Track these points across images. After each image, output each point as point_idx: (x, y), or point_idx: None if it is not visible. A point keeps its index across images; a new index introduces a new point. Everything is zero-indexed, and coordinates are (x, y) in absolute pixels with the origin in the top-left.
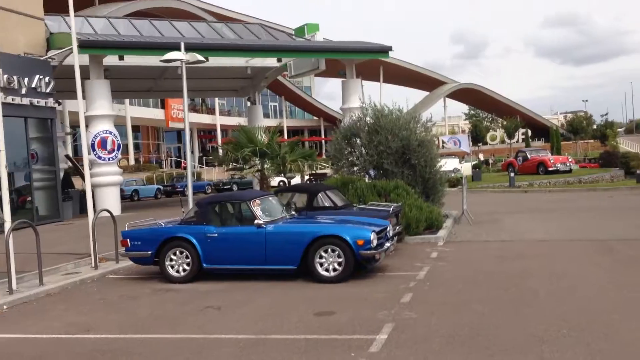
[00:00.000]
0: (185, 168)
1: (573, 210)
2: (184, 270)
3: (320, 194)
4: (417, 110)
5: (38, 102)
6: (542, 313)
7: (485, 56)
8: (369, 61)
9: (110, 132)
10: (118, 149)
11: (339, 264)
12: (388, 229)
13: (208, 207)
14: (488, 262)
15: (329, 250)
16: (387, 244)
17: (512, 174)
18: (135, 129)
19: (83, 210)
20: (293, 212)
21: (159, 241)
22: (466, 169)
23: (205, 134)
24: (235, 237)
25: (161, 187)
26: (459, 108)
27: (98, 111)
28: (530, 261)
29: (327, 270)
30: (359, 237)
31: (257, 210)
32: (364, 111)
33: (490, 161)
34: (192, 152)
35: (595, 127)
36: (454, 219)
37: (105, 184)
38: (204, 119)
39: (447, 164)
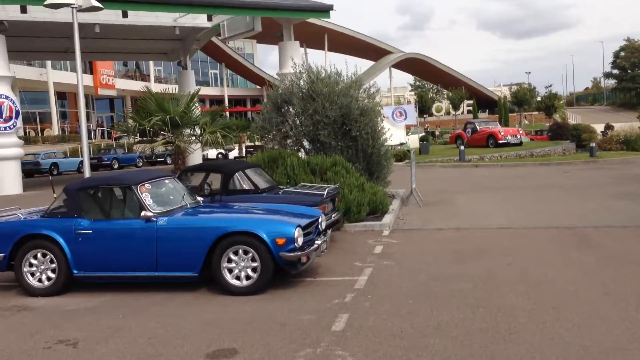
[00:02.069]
0: (116, 139)
1: (530, 187)
2: (49, 278)
3: (237, 175)
4: (362, 80)
5: None
6: (530, 355)
7: (430, 28)
8: (313, 28)
9: (7, 97)
10: (16, 117)
11: (254, 269)
12: (320, 220)
13: (79, 194)
14: (444, 261)
15: (240, 251)
16: (319, 241)
17: (461, 147)
18: (61, 96)
19: None
20: (198, 199)
21: (14, 240)
22: (413, 141)
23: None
24: (115, 235)
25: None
26: (405, 79)
27: None
28: (495, 260)
29: (238, 278)
30: (279, 235)
31: (146, 198)
32: (297, 75)
33: (437, 133)
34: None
35: (539, 99)
36: (401, 199)
37: (2, 158)
38: (137, 85)
39: (393, 137)
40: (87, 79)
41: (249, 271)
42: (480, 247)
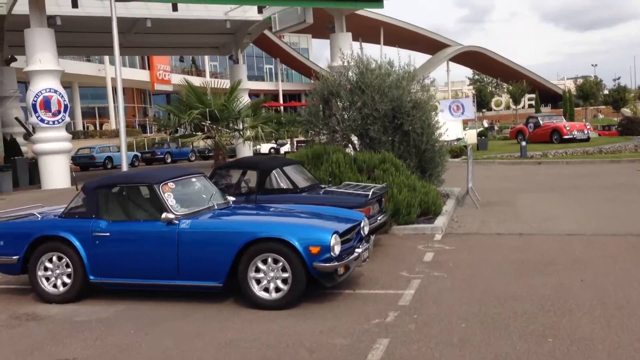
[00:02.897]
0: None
1: (601, 187)
2: (64, 284)
3: (274, 172)
4: (416, 72)
5: None
6: None
7: (490, 20)
8: (368, 22)
9: (55, 91)
10: (65, 111)
11: (284, 280)
12: (362, 224)
13: (98, 193)
14: (504, 274)
15: (270, 260)
16: (359, 249)
17: (523, 143)
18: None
19: (34, 182)
20: (229, 200)
21: (28, 242)
22: (471, 136)
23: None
24: (134, 238)
25: (139, 154)
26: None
27: (38, 65)
28: (565, 274)
29: (266, 289)
30: (313, 242)
31: (169, 199)
32: (345, 65)
33: (496, 128)
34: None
35: (606, 92)
36: (456, 199)
37: (50, 152)
38: (192, 81)
39: (449, 132)
40: (144, 75)
41: (279, 282)
42: (546, 257)
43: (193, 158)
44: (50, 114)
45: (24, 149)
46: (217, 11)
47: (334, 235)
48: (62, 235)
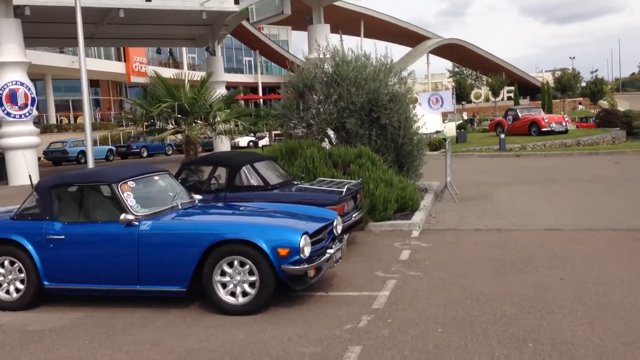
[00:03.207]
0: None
1: (579, 180)
2: (17, 290)
3: (244, 168)
4: (393, 63)
5: None
6: None
7: (470, 14)
8: (348, 14)
9: (22, 84)
10: (32, 104)
11: (251, 284)
12: (335, 223)
13: (52, 193)
14: (482, 273)
15: (236, 263)
16: (331, 250)
17: (502, 135)
18: (95, 83)
19: (2, 178)
20: (195, 198)
21: None
22: (450, 129)
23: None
24: (91, 241)
25: (114, 148)
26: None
27: (4, 57)
28: (544, 272)
29: (232, 294)
30: (282, 244)
31: (128, 198)
32: (321, 57)
33: (475, 120)
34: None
35: (584, 84)
36: (434, 193)
37: (17, 146)
38: (169, 73)
39: (428, 124)
40: (120, 67)
41: (246, 286)
42: (525, 254)
43: (170, 152)
44: (16, 107)
45: None
46: (193, 1)
47: (303, 236)
48: (14, 239)
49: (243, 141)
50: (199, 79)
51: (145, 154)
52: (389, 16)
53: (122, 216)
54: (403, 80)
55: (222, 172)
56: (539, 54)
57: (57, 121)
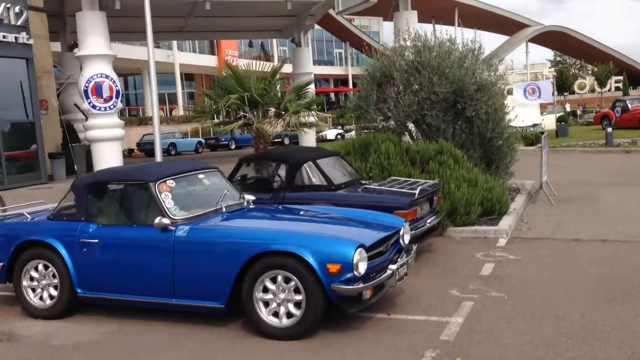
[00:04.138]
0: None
1: None
2: (51, 297)
3: (306, 166)
4: (482, 49)
5: (5, 37)
6: None
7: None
8: (442, 3)
9: (107, 76)
10: (117, 97)
11: (297, 304)
12: (402, 232)
13: (88, 191)
14: (581, 300)
15: (280, 279)
16: (394, 265)
17: (609, 129)
18: (189, 77)
19: (92, 169)
20: (244, 200)
21: (12, 247)
22: (548, 122)
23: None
24: (125, 246)
25: (203, 141)
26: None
27: (90, 50)
28: None
29: (276, 314)
30: (332, 259)
31: (166, 200)
32: (401, 44)
33: (579, 112)
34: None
35: None
36: (528, 194)
37: (102, 139)
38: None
39: (524, 117)
40: (212, 60)
41: (291, 306)
42: (637, 274)
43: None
44: (102, 100)
45: (82, 135)
46: None
47: (358, 250)
48: (47, 241)
49: (331, 134)
50: (285, 71)
51: (233, 147)
52: (484, 4)
53: (157, 219)
54: (493, 67)
55: (282, 169)
56: None
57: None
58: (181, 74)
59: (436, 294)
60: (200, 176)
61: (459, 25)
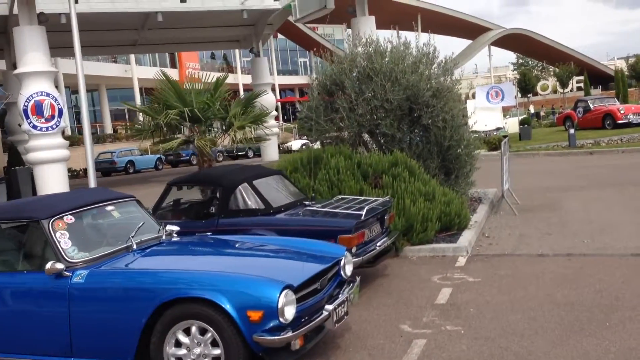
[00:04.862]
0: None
1: None
2: None
3: (240, 188)
4: (457, 61)
5: None
6: None
7: (536, 2)
8: (404, 8)
9: (48, 94)
10: (59, 115)
11: (216, 359)
12: (343, 263)
13: None
14: (545, 331)
15: (194, 330)
16: (330, 305)
17: (571, 131)
18: (148, 91)
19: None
20: (162, 233)
21: None
22: (512, 125)
23: (230, 95)
24: (14, 296)
25: (163, 157)
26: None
27: (29, 67)
28: (639, 330)
29: None
30: (252, 305)
31: (62, 239)
32: (352, 49)
33: (542, 114)
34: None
35: None
36: (490, 203)
37: (45, 161)
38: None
39: (486, 121)
40: (173, 73)
41: None
42: (606, 295)
43: (221, 158)
44: (43, 119)
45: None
46: (233, 1)
47: (284, 292)
48: None
49: (296, 144)
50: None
51: (194, 162)
52: (446, 8)
53: (49, 265)
54: (449, 71)
55: (214, 193)
56: (611, 40)
57: (114, 131)
58: (140, 89)
59: (385, 331)
60: (109, 208)
61: (420, 31)
